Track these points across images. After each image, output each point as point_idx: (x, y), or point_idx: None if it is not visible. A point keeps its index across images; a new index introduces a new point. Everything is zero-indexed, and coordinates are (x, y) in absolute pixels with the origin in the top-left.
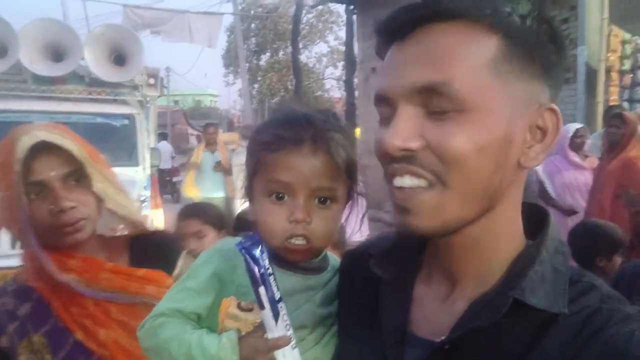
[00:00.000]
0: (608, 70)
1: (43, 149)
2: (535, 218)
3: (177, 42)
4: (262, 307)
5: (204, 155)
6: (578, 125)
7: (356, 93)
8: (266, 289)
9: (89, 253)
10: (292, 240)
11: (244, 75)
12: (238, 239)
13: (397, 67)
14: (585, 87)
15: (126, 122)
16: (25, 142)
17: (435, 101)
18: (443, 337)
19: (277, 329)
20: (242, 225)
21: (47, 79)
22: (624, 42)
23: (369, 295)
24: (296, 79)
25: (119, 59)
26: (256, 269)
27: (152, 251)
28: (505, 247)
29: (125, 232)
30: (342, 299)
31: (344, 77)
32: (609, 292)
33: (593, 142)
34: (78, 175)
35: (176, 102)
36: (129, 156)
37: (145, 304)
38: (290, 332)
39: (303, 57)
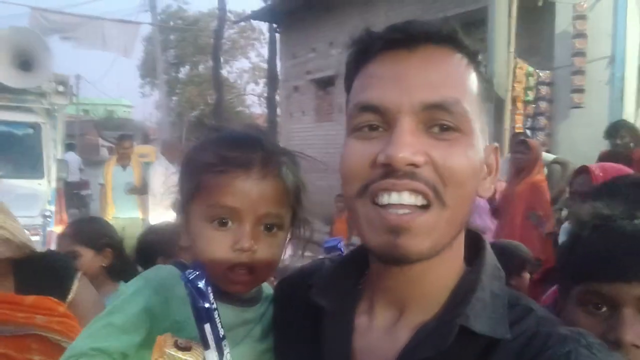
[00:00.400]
0: (514, 100)
1: None
2: (471, 243)
3: (89, 50)
4: (207, 346)
5: (114, 171)
6: None
7: (278, 110)
8: (212, 326)
9: None
10: (236, 270)
11: (162, 87)
12: (169, 267)
13: (402, 80)
14: (493, 114)
15: (31, 131)
16: None
17: (441, 119)
18: None
19: None
20: (145, 250)
21: None
22: (527, 75)
23: (308, 327)
24: (217, 94)
25: (25, 64)
26: (203, 304)
27: (42, 275)
28: (450, 273)
29: (7, 255)
30: (279, 330)
31: (265, 94)
32: (545, 314)
33: (501, 166)
34: None
35: (86, 112)
36: (33, 167)
37: (34, 336)
38: None
39: (224, 72)
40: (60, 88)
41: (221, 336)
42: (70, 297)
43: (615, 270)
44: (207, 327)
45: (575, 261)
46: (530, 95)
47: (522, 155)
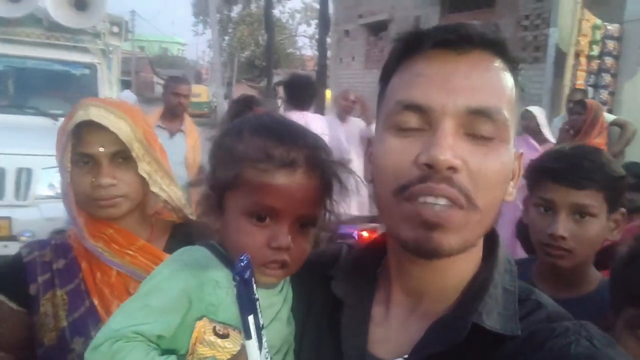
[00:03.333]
0: (577, 54)
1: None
2: (486, 238)
3: None
4: (248, 336)
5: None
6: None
7: (329, 54)
8: (254, 316)
9: (128, 228)
10: (269, 265)
11: (214, 26)
12: (200, 249)
13: (449, 82)
14: (553, 68)
15: (87, 71)
16: (79, 116)
17: (482, 125)
18: (400, 358)
19: (261, 359)
20: None
21: (1, 20)
22: (594, 28)
23: (326, 315)
24: (268, 34)
25: (80, 3)
26: (250, 296)
27: (190, 242)
28: (469, 269)
29: (171, 217)
30: (298, 316)
31: (316, 36)
32: (555, 309)
33: (555, 125)
34: (127, 154)
35: (141, 48)
36: None
37: None
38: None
39: (276, 12)
40: (115, 29)
41: (261, 325)
42: None
43: None
44: (251, 318)
45: (633, 279)
46: (596, 50)
47: (578, 116)
